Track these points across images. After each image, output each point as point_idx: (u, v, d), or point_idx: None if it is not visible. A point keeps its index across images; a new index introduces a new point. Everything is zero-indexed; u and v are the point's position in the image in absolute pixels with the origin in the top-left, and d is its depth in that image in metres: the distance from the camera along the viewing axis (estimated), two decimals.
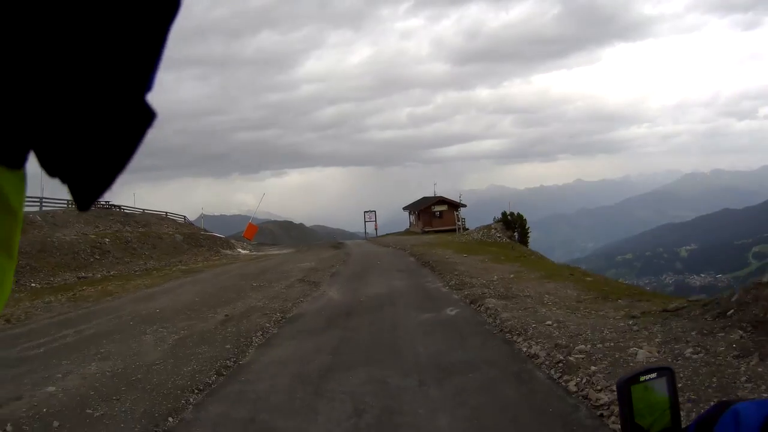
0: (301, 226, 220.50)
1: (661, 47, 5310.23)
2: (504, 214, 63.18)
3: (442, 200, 68.47)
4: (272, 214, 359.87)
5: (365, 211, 68.66)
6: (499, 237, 55.99)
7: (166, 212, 59.02)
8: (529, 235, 64.46)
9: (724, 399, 1.46)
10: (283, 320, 12.69)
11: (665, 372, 1.48)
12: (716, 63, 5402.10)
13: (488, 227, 58.82)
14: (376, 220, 67.57)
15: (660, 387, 1.48)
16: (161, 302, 16.29)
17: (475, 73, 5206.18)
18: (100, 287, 21.89)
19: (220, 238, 52.42)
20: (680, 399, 2.42)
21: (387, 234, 71.01)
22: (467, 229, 61.92)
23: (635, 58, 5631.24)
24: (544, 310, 11.30)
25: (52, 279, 24.62)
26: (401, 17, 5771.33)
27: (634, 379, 1.46)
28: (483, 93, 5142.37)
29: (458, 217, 62.92)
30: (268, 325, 12.06)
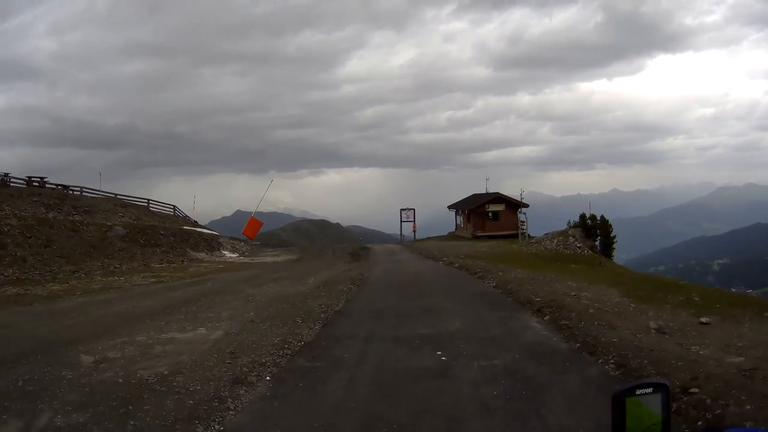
0: (337, 225, 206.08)
1: (700, 59, 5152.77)
2: (583, 217, 45.12)
3: (498, 198, 50.57)
4: (309, 213, 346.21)
5: (402, 209, 50.57)
6: (579, 247, 38.72)
7: (149, 200, 44.38)
8: (615, 245, 46.38)
9: (712, 426, 1.68)
10: None
11: (661, 388, 1.43)
12: (753, 76, 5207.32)
13: (564, 234, 40.85)
14: (414, 220, 49.77)
15: (654, 402, 1.42)
16: None
17: (516, 78, 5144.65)
18: None
19: (203, 234, 35.75)
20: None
21: (427, 238, 53.73)
22: (532, 236, 44.24)
23: (675, 70, 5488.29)
24: None
25: None
26: (445, 20, 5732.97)
27: (630, 391, 1.42)
28: (523, 99, 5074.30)
29: (521, 221, 45.20)
30: None
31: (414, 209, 50.14)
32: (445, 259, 24.24)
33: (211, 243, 34.06)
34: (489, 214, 50.23)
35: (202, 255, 30.31)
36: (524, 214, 45.13)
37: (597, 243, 42.18)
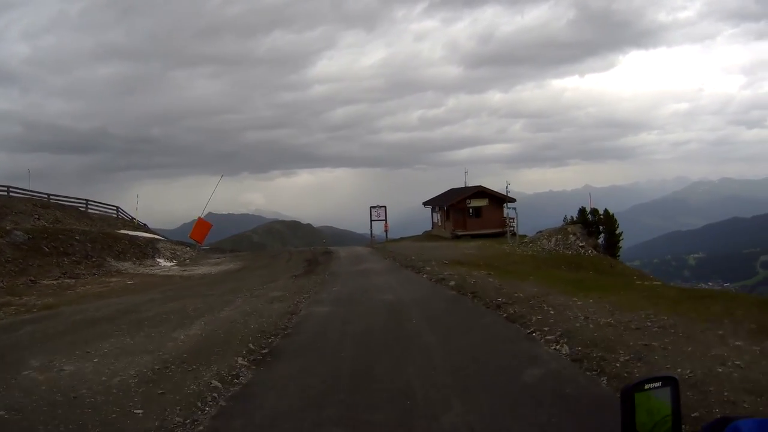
0: (308, 226, 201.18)
1: (673, 55, 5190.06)
2: (583, 212, 40.57)
3: (480, 192, 45.82)
4: (281, 214, 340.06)
5: (372, 207, 45.38)
6: (581, 246, 34.10)
7: (87, 201, 39.84)
8: (621, 242, 41.82)
9: (725, 415, 1.35)
10: None
11: (670, 381, 1.43)
12: (727, 71, 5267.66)
13: (564, 231, 36.07)
14: (386, 219, 44.68)
15: (663, 396, 1.40)
16: None
17: (488, 76, 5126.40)
18: None
19: (136, 239, 30.26)
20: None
21: (401, 238, 48.87)
22: (523, 235, 39.58)
23: (648, 65, 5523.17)
24: None
25: None
26: (415, 19, 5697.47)
27: (638, 386, 1.40)
28: (495, 97, 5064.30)
29: (510, 218, 40.63)
30: None
31: (385, 207, 45.00)
32: (428, 269, 18.91)
33: (144, 250, 28.69)
34: (469, 211, 45.57)
35: (127, 265, 24.99)
36: (513, 209, 40.50)
37: (600, 241, 37.90)
